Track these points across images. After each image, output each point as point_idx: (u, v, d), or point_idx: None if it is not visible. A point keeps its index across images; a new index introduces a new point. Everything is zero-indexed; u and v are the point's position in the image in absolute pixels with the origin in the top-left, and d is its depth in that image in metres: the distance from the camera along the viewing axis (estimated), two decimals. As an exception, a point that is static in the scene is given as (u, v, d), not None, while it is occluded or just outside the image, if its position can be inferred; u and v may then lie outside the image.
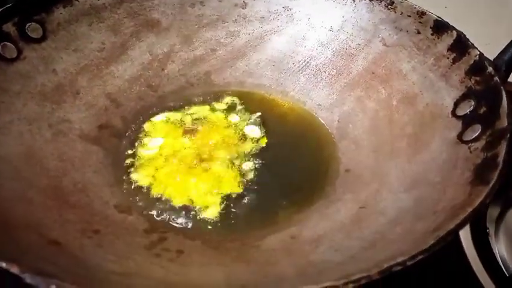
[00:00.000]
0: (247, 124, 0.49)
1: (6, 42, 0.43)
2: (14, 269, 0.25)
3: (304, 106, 0.52)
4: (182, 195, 0.42)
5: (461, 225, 0.27)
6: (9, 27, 0.43)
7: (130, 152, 0.46)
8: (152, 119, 0.50)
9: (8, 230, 0.33)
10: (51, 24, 0.47)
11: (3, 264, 0.25)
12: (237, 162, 0.45)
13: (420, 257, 0.25)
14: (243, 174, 0.44)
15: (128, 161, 0.45)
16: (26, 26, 0.44)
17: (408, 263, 0.25)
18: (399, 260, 0.25)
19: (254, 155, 0.46)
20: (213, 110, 0.51)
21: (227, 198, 0.42)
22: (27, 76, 0.44)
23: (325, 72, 0.53)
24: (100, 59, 0.50)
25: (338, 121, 0.49)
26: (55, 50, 0.47)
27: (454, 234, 0.26)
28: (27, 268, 0.25)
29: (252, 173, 0.44)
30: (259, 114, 0.50)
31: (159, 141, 0.46)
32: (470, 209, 0.28)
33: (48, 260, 0.30)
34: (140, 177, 0.43)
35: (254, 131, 0.48)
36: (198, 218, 0.40)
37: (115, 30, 0.51)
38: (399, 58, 0.48)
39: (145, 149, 0.46)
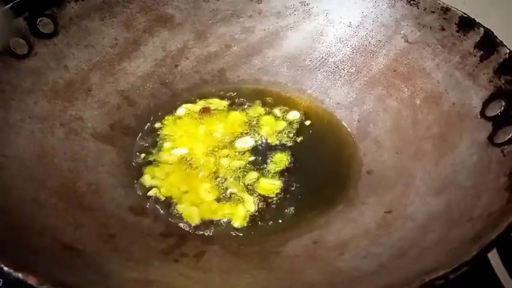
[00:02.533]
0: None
1: (17, 38, 0.41)
2: (32, 281, 0.23)
3: (322, 105, 0.51)
4: (198, 198, 0.40)
5: (504, 235, 0.25)
6: (20, 22, 0.42)
7: (143, 151, 0.44)
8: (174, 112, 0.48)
9: (22, 234, 0.31)
10: (63, 19, 0.45)
11: (19, 275, 0.23)
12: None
13: (463, 269, 0.24)
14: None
15: (141, 161, 0.43)
16: (37, 21, 0.43)
17: (451, 276, 0.23)
18: (441, 273, 0.23)
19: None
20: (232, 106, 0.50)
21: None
22: (39, 73, 0.42)
23: (344, 69, 0.51)
24: (112, 55, 0.48)
25: (358, 120, 0.48)
26: (67, 46, 0.45)
27: (497, 244, 0.25)
28: (45, 279, 0.24)
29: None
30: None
31: (182, 150, 0.45)
32: (511, 218, 0.26)
33: (64, 268, 0.28)
34: (154, 178, 0.42)
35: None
36: (215, 221, 0.39)
37: (127, 26, 0.49)
38: (422, 55, 0.46)
39: (163, 153, 0.44)
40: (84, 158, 0.41)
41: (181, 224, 0.38)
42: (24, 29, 0.42)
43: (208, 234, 0.38)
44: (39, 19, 0.43)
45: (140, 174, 0.42)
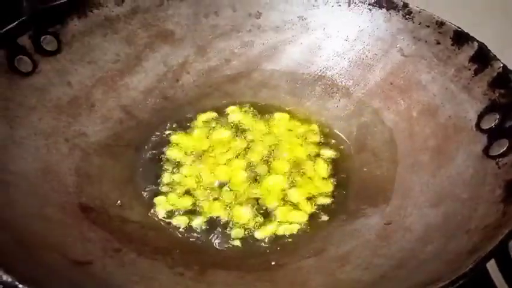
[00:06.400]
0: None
1: (21, 56, 0.42)
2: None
3: (320, 117, 0.51)
4: (201, 211, 0.41)
5: (499, 247, 0.26)
6: (25, 40, 0.43)
7: (146, 166, 0.45)
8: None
9: (30, 249, 0.32)
10: (66, 36, 0.46)
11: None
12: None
13: (460, 281, 0.24)
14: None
15: (145, 176, 0.44)
16: (41, 39, 0.44)
17: (450, 288, 0.24)
18: (440, 285, 0.24)
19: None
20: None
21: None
22: (43, 89, 0.43)
23: (341, 82, 0.52)
24: (114, 70, 0.49)
25: (355, 132, 0.49)
26: (70, 63, 0.46)
27: (493, 256, 0.26)
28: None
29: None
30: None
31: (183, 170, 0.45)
32: (507, 230, 0.27)
33: (73, 284, 0.29)
34: (158, 192, 0.43)
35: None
36: (218, 234, 0.39)
37: (129, 42, 0.50)
38: (418, 69, 0.47)
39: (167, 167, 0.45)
40: (88, 173, 0.42)
41: (184, 237, 0.39)
42: (28, 46, 0.43)
43: (212, 248, 0.38)
44: (43, 37, 0.44)
45: (144, 188, 0.43)
